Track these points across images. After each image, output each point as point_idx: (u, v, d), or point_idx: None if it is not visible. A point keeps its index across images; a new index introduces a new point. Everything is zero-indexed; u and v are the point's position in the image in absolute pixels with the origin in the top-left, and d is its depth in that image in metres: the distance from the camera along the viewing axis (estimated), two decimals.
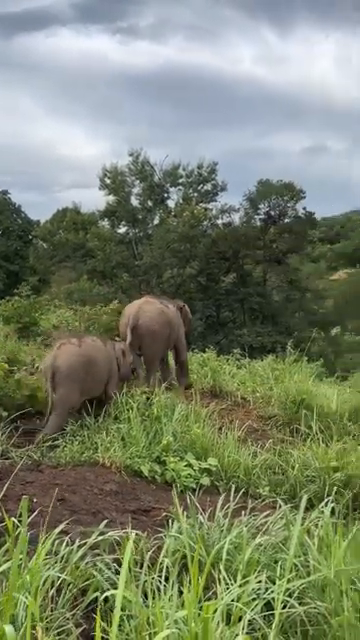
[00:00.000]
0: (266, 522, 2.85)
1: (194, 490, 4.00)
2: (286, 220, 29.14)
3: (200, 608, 1.74)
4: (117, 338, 6.43)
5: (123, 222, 30.04)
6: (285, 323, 27.31)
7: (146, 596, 2.08)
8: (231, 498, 3.00)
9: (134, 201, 29.71)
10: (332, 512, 2.95)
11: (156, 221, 30.28)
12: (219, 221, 29.29)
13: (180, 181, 29.52)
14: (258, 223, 29.29)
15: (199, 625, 1.62)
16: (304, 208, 29.21)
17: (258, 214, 29.19)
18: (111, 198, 29.29)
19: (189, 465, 4.35)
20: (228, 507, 2.93)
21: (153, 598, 2.03)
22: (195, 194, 29.58)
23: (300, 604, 2.14)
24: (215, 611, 1.80)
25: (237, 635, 1.73)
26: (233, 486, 3.22)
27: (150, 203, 29.78)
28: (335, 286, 33.51)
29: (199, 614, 1.67)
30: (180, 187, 29.72)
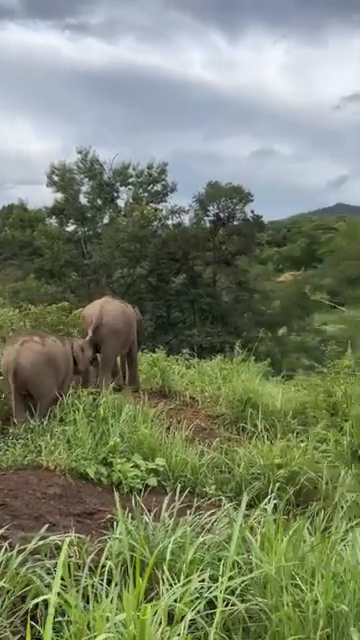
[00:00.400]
0: (211, 521, 2.87)
1: (141, 491, 3.97)
2: (235, 222, 29.55)
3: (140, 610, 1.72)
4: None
5: (72, 220, 29.56)
6: (234, 323, 27.68)
7: (88, 600, 2.04)
8: (176, 498, 3.00)
9: (83, 199, 29.30)
10: (275, 508, 3.00)
11: (106, 220, 29.98)
12: (169, 222, 29.37)
13: (130, 181, 29.37)
14: (208, 225, 29.55)
15: (138, 628, 1.60)
16: (252, 211, 29.72)
17: (208, 216, 29.47)
18: (59, 195, 28.76)
19: (136, 466, 4.32)
20: (174, 507, 2.92)
21: (96, 602, 2.00)
22: (145, 194, 29.51)
23: (242, 601, 2.16)
24: (156, 612, 1.79)
25: (178, 635, 1.72)
26: (179, 486, 3.22)
27: (99, 202, 29.44)
28: (282, 287, 34.25)
29: (138, 616, 1.65)
30: (130, 187, 29.58)
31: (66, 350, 5.37)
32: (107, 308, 6.48)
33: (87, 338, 6.09)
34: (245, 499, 2.22)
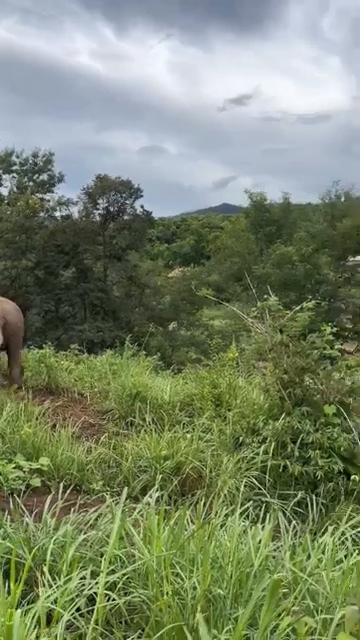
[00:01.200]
0: (96, 517, 2.84)
1: (24, 492, 3.82)
2: (125, 217, 29.52)
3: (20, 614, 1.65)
4: None
5: None
6: (125, 318, 27.69)
7: None
8: (59, 496, 2.92)
9: None
10: (161, 499, 3.04)
11: None
12: (57, 213, 28.59)
13: (13, 168, 28.08)
14: (97, 218, 29.21)
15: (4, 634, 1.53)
16: (142, 206, 29.90)
17: (97, 209, 29.12)
18: None
19: (19, 467, 4.15)
20: (56, 506, 2.85)
21: None
22: (30, 183, 28.41)
23: (126, 594, 2.17)
24: (35, 614, 1.73)
25: (55, 636, 1.68)
26: (62, 484, 3.14)
27: None
28: (172, 283, 34.87)
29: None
30: (14, 175, 28.28)
31: None
32: (7, 308, 7.01)
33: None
34: (125, 493, 2.22)
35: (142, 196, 29.46)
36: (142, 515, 2.70)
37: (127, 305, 29.30)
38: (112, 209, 28.97)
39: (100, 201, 28.92)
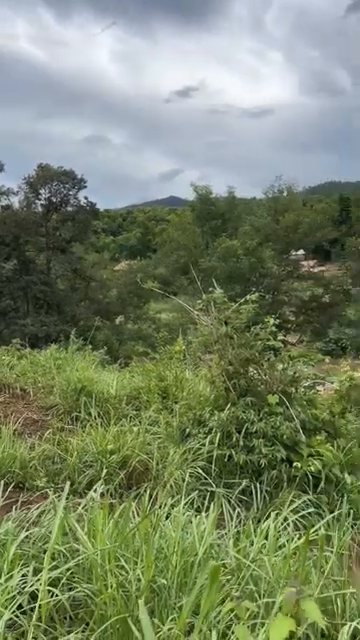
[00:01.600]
0: (39, 514, 2.78)
1: None
2: (69, 208, 28.98)
3: None
4: None
5: None
6: (71, 312, 27.25)
7: None
8: None
9: None
10: (107, 493, 3.02)
11: None
12: None
13: None
14: (40, 209, 28.51)
15: None
16: (86, 197, 29.45)
17: (39, 199, 28.41)
18: None
19: None
20: None
21: None
22: None
23: (70, 590, 2.14)
24: None
25: None
26: (2, 482, 3.05)
27: None
28: (118, 276, 34.60)
29: None
30: None
31: None
32: None
33: None
34: (67, 488, 2.19)
35: (86, 187, 29.02)
36: (87, 510, 2.67)
37: (72, 298, 28.84)
38: (55, 200, 28.36)
39: (42, 191, 28.25)
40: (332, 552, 2.47)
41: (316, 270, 34.74)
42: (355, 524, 3.85)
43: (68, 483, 2.31)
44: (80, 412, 5.88)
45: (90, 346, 9.30)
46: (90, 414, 5.66)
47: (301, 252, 37.43)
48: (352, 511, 4.06)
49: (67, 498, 2.81)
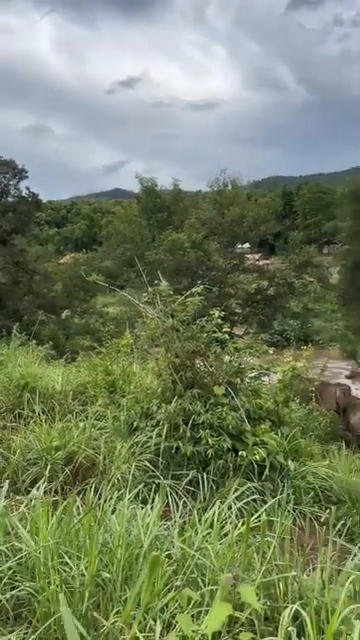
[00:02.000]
0: None
1: None
2: (9, 199, 28.13)
3: None
4: None
5: None
6: (13, 307, 26.49)
7: None
8: None
9: None
10: (51, 491, 2.97)
11: None
12: None
13: None
14: None
15: None
16: (28, 188, 28.66)
17: None
18: None
19: None
20: None
21: None
22: None
23: (13, 589, 2.10)
24: None
25: None
26: None
27: None
28: (63, 269, 33.93)
29: None
30: None
31: None
32: None
33: None
34: (5, 487, 2.14)
35: (27, 177, 28.24)
36: (29, 508, 2.62)
37: (14, 292, 28.03)
38: None
39: None
40: (274, 537, 2.54)
41: (261, 263, 35.38)
42: (296, 509, 3.98)
43: (7, 482, 2.25)
44: (23, 409, 5.75)
45: (35, 341, 9.10)
46: (34, 411, 5.54)
47: (247, 245, 38.05)
48: (293, 497, 4.19)
49: (9, 497, 2.75)
